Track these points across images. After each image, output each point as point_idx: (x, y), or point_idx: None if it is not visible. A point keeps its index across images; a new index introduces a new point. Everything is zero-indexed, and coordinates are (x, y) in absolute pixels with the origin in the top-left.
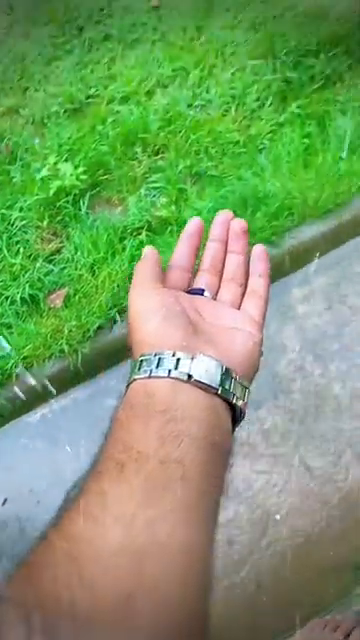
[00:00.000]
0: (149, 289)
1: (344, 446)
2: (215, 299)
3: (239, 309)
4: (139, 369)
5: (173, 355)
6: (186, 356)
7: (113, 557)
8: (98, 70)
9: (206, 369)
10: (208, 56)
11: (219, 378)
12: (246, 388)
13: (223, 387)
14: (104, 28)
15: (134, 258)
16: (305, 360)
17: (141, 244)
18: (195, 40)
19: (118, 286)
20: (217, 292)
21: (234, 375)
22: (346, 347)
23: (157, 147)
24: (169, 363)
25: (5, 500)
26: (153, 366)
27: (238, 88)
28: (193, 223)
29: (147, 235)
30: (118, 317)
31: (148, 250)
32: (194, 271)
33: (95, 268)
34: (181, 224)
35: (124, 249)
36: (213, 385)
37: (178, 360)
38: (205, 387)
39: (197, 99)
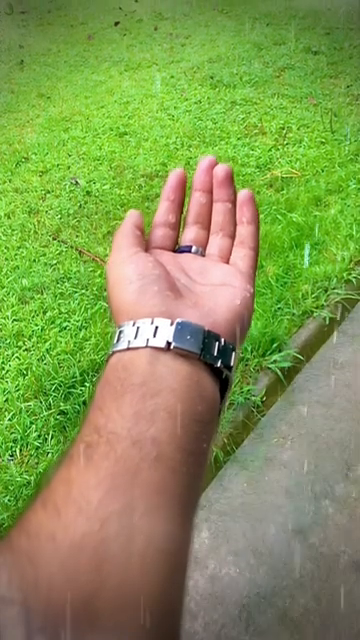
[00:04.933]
0: (125, 256)
1: None
2: (205, 255)
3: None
4: (117, 341)
5: (152, 323)
6: (165, 322)
7: (73, 555)
8: None
9: (187, 334)
10: None
11: (201, 343)
12: (232, 350)
13: (206, 352)
14: None
15: None
16: None
17: None
18: None
19: None
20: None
21: (219, 337)
22: None
23: None
24: (147, 331)
25: None
26: (131, 336)
27: (19, 431)
28: (174, 175)
29: None
30: None
31: (129, 212)
32: (181, 226)
33: None
34: None
35: None
36: (194, 351)
37: (157, 328)
38: (186, 354)
39: None
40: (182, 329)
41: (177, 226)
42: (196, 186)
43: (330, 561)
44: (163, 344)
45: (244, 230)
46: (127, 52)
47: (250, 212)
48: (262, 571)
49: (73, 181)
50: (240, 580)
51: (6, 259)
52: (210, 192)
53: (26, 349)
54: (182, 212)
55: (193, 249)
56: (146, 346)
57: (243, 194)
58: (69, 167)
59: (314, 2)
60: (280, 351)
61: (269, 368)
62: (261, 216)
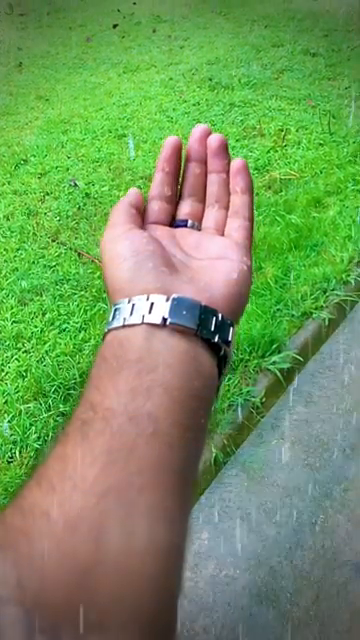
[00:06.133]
0: (119, 232)
1: None
2: (200, 228)
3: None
4: (113, 318)
5: (147, 299)
6: (161, 298)
7: (69, 530)
8: None
9: (183, 310)
10: None
11: (197, 318)
12: (230, 325)
13: (203, 327)
14: None
15: None
16: None
17: None
18: None
19: None
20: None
21: (216, 312)
22: None
23: None
24: (143, 308)
25: None
26: (127, 314)
27: (19, 433)
28: (168, 144)
29: None
30: None
31: (129, 190)
32: (177, 198)
33: None
34: None
35: None
36: (191, 326)
37: (152, 304)
38: (182, 329)
39: None
40: (178, 305)
41: (173, 199)
42: (190, 156)
43: (331, 562)
44: (159, 320)
45: (238, 200)
46: (126, 54)
47: (244, 181)
48: (262, 572)
49: (72, 183)
50: (240, 581)
51: (5, 261)
52: (204, 162)
53: (25, 351)
54: (178, 183)
55: (189, 223)
56: (142, 323)
57: (236, 163)
58: (68, 169)
59: (312, 4)
60: (279, 352)
61: (268, 369)
62: (260, 217)
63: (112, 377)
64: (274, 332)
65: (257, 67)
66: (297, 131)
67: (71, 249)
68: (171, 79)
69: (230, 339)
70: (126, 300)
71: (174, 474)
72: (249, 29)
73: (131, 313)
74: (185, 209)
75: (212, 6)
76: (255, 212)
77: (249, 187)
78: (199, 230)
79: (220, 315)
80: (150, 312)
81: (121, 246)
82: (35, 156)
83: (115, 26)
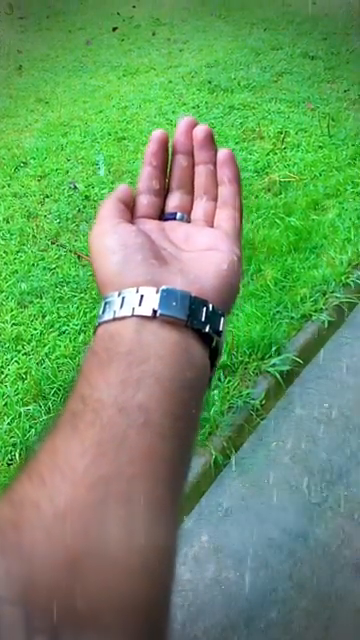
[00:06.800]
0: (108, 227)
1: None
2: (190, 221)
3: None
4: (103, 312)
5: (137, 291)
6: (150, 290)
7: (58, 520)
8: None
9: (173, 301)
10: None
11: (187, 309)
12: (221, 316)
13: (193, 318)
14: None
15: None
16: None
17: None
18: None
19: None
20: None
21: (206, 303)
22: None
23: None
24: (133, 300)
25: None
26: (117, 307)
27: (18, 435)
28: (155, 138)
29: None
30: None
31: (118, 186)
32: (165, 191)
33: None
34: None
35: None
36: (181, 317)
37: (142, 296)
38: (173, 320)
39: None
40: (167, 296)
41: (161, 192)
42: (176, 149)
43: (331, 564)
44: (149, 312)
45: (226, 190)
46: (125, 57)
47: (231, 171)
48: (262, 574)
49: (72, 185)
50: (240, 583)
51: (5, 263)
52: (191, 154)
53: (25, 353)
54: (166, 176)
55: (178, 216)
56: (132, 315)
57: (223, 153)
58: (67, 171)
59: (311, 7)
60: (279, 355)
61: (268, 372)
62: (259, 220)
63: (102, 369)
64: (274, 334)
65: (256, 70)
66: (296, 134)
67: (71, 251)
68: (170, 82)
69: (221, 329)
70: (116, 293)
71: (165, 463)
72: (248, 32)
73: (121, 306)
74: (174, 202)
75: (211, 9)
76: (255, 214)
77: (236, 177)
78: (188, 222)
79: (211, 305)
80: (140, 304)
81: (109, 240)
82: (35, 159)
83: (115, 29)
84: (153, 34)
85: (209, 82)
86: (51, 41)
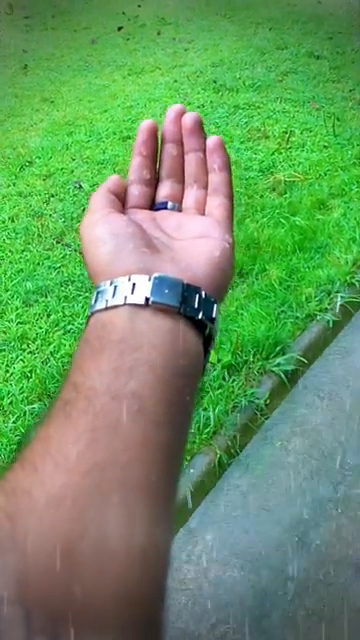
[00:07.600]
0: (98, 217)
1: None
2: (181, 209)
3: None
4: (96, 301)
5: (129, 280)
6: (142, 278)
7: (52, 508)
8: None
9: (165, 288)
10: None
11: (180, 296)
12: (214, 303)
13: (186, 305)
14: None
15: None
16: None
17: None
18: None
19: None
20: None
21: (199, 290)
22: None
23: None
24: (125, 289)
25: None
26: (109, 295)
27: (23, 433)
28: (144, 128)
29: None
30: None
31: (109, 177)
32: (156, 181)
33: None
34: None
35: None
36: (173, 304)
37: (134, 284)
38: (165, 308)
39: None
40: (160, 283)
41: (152, 182)
42: (166, 138)
43: (333, 563)
44: (142, 300)
45: (216, 177)
46: (130, 57)
47: (221, 158)
48: (266, 573)
49: (77, 185)
50: (244, 582)
51: (10, 262)
52: (181, 143)
53: (30, 352)
54: (156, 165)
55: (169, 205)
56: (124, 304)
57: (212, 141)
58: (73, 171)
59: (317, 7)
60: (284, 354)
61: (273, 371)
62: (264, 220)
63: (95, 358)
64: (278, 334)
65: (261, 69)
66: (301, 133)
67: (76, 250)
68: (176, 81)
69: (214, 316)
70: (108, 282)
71: (160, 450)
72: (253, 32)
73: (113, 295)
74: (164, 191)
75: (216, 9)
76: (260, 214)
77: (226, 164)
78: (180, 211)
79: (203, 292)
80: (132, 292)
81: (100, 229)
82: (40, 158)
83: (120, 28)
84: (158, 33)
85: (214, 81)
86: (56, 40)
